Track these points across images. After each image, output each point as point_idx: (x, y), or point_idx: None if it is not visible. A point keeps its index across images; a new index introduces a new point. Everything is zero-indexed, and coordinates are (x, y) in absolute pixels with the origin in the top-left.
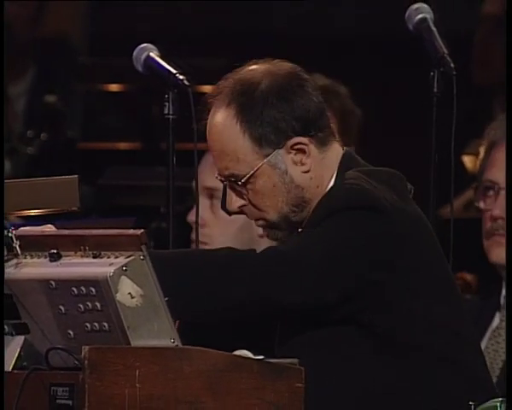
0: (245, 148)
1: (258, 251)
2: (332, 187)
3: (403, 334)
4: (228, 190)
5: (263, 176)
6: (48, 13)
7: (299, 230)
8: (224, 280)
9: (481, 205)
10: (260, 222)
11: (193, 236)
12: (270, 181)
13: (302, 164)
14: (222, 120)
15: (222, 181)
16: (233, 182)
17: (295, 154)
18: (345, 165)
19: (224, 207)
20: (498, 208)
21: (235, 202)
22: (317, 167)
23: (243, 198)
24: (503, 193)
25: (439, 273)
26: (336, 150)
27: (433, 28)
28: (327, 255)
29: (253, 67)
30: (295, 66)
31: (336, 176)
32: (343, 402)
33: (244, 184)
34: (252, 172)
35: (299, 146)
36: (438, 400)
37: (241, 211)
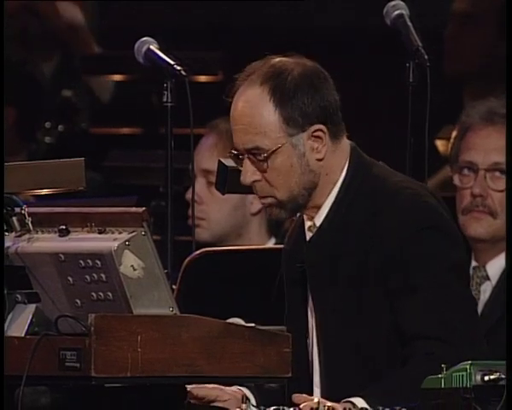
0: (273, 124)
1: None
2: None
3: None
4: (245, 163)
5: (283, 154)
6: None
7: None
8: None
9: (459, 183)
10: (269, 200)
11: (189, 212)
12: (289, 161)
13: (318, 151)
14: (255, 96)
15: (237, 156)
16: (254, 155)
17: (314, 140)
18: (355, 158)
19: (217, 187)
20: (478, 187)
21: (250, 175)
22: (329, 157)
23: (259, 173)
24: (481, 173)
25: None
26: (346, 144)
27: (409, 23)
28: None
29: (280, 58)
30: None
31: (348, 167)
32: None
33: (265, 159)
34: (275, 148)
35: (318, 133)
36: None
37: (252, 185)
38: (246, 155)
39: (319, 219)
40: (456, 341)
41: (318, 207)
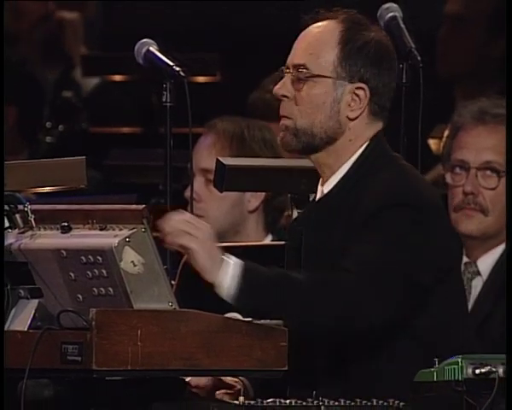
0: (329, 56)
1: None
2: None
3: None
4: (286, 77)
5: (323, 87)
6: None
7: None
8: (318, 306)
9: (450, 181)
10: (288, 121)
11: (188, 209)
12: (324, 96)
13: (351, 110)
14: (330, 27)
15: (283, 70)
16: (299, 72)
17: (352, 97)
18: (375, 143)
19: (215, 185)
20: (470, 185)
21: (284, 89)
22: (358, 125)
23: (292, 92)
24: (473, 171)
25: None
26: (377, 127)
27: (402, 25)
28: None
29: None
30: None
31: (366, 147)
32: None
33: (305, 80)
34: (320, 74)
35: (359, 92)
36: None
37: (280, 98)
38: (291, 71)
39: (328, 186)
40: (362, 274)
41: (333, 172)
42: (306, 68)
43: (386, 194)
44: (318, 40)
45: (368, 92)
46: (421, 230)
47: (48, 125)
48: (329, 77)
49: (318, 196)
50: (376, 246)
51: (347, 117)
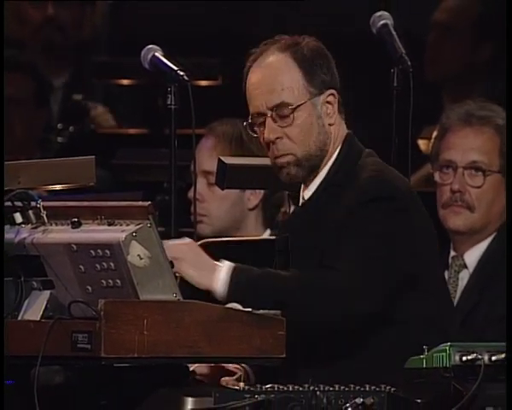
0: (298, 82)
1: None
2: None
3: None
4: (268, 121)
5: (305, 111)
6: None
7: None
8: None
9: (439, 180)
10: (287, 158)
11: (192, 209)
12: (310, 119)
13: (330, 116)
14: (278, 60)
15: (252, 126)
16: (280, 110)
17: (327, 105)
18: (349, 140)
19: (217, 183)
20: (457, 183)
21: (273, 132)
22: (336, 127)
23: (280, 130)
24: (460, 170)
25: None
26: (344, 124)
27: (393, 32)
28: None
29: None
30: None
31: (341, 148)
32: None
33: (290, 113)
34: (300, 103)
35: (331, 98)
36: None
37: (273, 143)
38: (269, 114)
39: (310, 191)
40: (346, 271)
41: (316, 176)
42: (285, 104)
43: (360, 192)
44: (279, 74)
45: (335, 92)
46: (397, 219)
47: (59, 126)
48: (307, 101)
49: (301, 200)
50: (358, 243)
51: (329, 124)
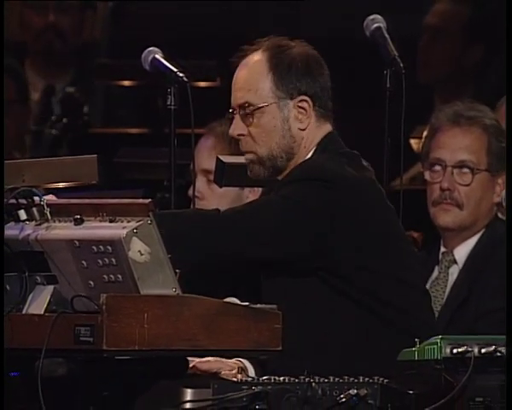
0: (265, 85)
1: None
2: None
3: (354, 285)
4: (236, 118)
5: (269, 114)
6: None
7: (279, 178)
8: (201, 238)
9: (429, 178)
10: (251, 155)
11: (191, 206)
12: (273, 121)
13: (300, 122)
14: (255, 61)
15: (232, 112)
16: (244, 109)
17: (298, 110)
18: (324, 143)
19: (215, 181)
20: (446, 182)
21: (237, 129)
22: (310, 132)
23: (245, 128)
24: (449, 169)
25: (389, 230)
26: (327, 129)
27: (386, 35)
28: (291, 215)
29: (285, 38)
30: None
31: (314, 151)
32: (306, 342)
33: (252, 114)
34: (262, 105)
35: (303, 104)
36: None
37: (237, 138)
38: (237, 111)
39: None
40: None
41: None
42: (249, 104)
43: (301, 170)
44: (251, 74)
45: (310, 101)
46: (317, 193)
47: (53, 118)
48: (271, 103)
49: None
50: (264, 198)
51: (299, 129)
